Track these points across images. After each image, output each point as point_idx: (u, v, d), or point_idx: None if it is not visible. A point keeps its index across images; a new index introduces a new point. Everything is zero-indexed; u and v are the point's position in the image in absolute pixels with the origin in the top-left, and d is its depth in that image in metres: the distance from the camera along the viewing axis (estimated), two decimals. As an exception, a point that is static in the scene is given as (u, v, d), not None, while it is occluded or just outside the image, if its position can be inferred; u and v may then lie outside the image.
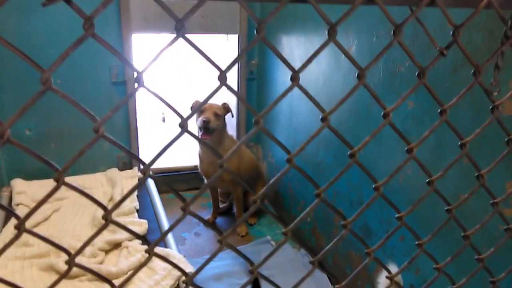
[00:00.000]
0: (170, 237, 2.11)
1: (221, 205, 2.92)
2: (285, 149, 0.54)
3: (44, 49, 2.48)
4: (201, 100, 2.41)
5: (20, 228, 0.45)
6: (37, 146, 2.67)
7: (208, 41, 3.31)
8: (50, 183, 2.56)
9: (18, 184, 2.51)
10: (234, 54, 3.12)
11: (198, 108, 0.51)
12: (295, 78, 0.50)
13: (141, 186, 2.67)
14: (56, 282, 0.48)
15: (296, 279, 0.57)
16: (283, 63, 0.51)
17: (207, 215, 2.83)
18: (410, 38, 1.53)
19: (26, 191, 2.43)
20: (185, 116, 0.49)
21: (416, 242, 0.66)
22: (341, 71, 2.01)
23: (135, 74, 0.46)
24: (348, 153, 0.55)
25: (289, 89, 0.51)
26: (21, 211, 2.24)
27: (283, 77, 2.70)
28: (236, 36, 3.05)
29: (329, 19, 0.53)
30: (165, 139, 3.51)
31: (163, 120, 4.02)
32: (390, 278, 0.67)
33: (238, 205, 2.70)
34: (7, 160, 2.65)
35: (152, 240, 2.08)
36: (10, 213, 0.48)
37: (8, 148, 2.63)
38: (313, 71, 2.22)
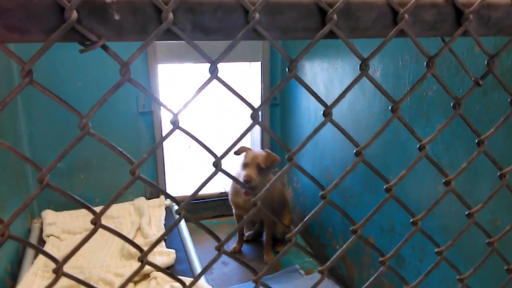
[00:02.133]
0: (198, 267, 2.10)
1: (246, 233, 2.90)
2: (319, 185, 0.53)
3: (72, 81, 2.57)
4: (247, 146, 2.44)
5: (58, 273, 0.45)
6: (67, 177, 2.73)
7: (231, 68, 3.36)
8: (79, 213, 2.61)
9: (49, 215, 2.55)
10: (257, 80, 3.15)
11: (230, 149, 0.50)
12: (327, 114, 0.49)
13: (169, 217, 2.68)
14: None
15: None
16: (316, 100, 0.50)
17: (233, 243, 2.80)
18: (437, 61, 1.51)
19: (56, 222, 2.47)
20: (218, 154, 0.49)
21: (458, 277, 0.64)
22: (365, 96, 2.00)
23: (169, 114, 0.46)
24: (384, 187, 0.54)
25: (322, 124, 0.50)
26: (52, 242, 2.28)
27: (306, 103, 2.70)
28: (259, 63, 3.08)
29: (361, 54, 0.53)
30: (191, 166, 3.53)
31: (189, 147, 4.07)
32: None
33: (268, 233, 2.67)
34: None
35: (180, 271, 2.08)
36: (47, 256, 0.48)
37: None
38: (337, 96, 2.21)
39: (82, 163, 2.75)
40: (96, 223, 0.46)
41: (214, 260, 0.52)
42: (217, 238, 0.52)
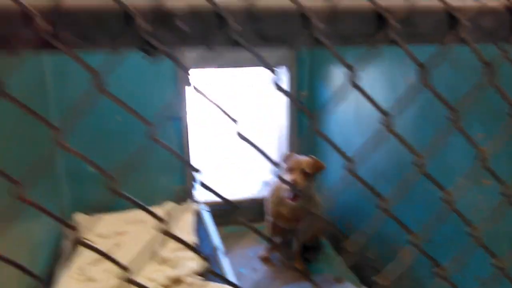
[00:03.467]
0: (228, 273, 2.10)
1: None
2: (376, 194, 0.52)
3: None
4: (291, 153, 2.41)
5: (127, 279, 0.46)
6: (99, 182, 2.77)
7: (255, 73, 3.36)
8: (112, 218, 2.65)
9: (80, 218, 2.60)
10: (284, 86, 3.14)
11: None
12: (388, 124, 0.49)
13: (198, 221, 2.69)
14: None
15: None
16: (375, 108, 0.50)
17: (260, 248, 2.79)
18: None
19: (87, 226, 2.51)
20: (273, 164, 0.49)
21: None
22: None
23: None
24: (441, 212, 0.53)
25: (381, 134, 0.50)
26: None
27: (334, 110, 2.67)
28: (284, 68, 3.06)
29: (418, 59, 0.52)
30: (220, 176, 3.55)
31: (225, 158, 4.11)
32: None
33: (300, 239, 2.64)
34: (69, 195, 2.76)
35: (211, 277, 2.08)
36: (115, 263, 0.49)
37: (71, 184, 2.75)
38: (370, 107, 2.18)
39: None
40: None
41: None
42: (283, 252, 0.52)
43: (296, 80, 3.08)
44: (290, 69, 3.06)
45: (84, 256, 2.22)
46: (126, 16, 0.43)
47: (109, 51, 0.44)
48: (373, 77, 2.19)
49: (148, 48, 0.45)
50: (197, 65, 2.83)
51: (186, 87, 2.83)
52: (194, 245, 2.35)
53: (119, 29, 0.44)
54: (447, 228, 1.48)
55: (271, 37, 0.49)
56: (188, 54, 2.79)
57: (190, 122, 2.88)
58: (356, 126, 2.37)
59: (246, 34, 0.47)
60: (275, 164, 0.48)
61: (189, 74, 0.46)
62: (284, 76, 3.14)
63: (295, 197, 2.30)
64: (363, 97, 0.49)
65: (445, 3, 0.51)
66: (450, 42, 0.53)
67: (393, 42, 0.51)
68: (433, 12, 0.53)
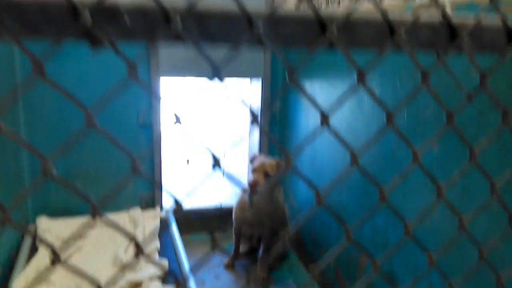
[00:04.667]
0: (190, 280, 2.09)
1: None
2: (314, 189, 0.54)
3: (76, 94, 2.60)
4: (259, 156, 2.48)
5: (55, 262, 0.46)
6: (63, 186, 2.72)
7: (232, 84, 3.39)
8: (74, 222, 2.60)
9: (43, 221, 2.54)
10: (258, 98, 3.18)
11: (228, 151, 0.52)
12: (324, 120, 0.51)
13: (163, 228, 2.68)
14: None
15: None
16: (313, 106, 0.52)
17: (226, 257, 2.79)
18: (433, 84, 1.54)
19: (50, 229, 2.46)
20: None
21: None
22: (364, 116, 2.03)
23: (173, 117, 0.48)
24: (378, 197, 0.56)
25: (317, 131, 0.52)
26: (46, 248, 2.26)
27: (306, 119, 2.73)
28: (260, 80, 3.12)
29: (359, 66, 0.55)
30: (189, 181, 3.54)
31: (187, 162, 4.08)
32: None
33: (265, 246, 2.67)
34: (33, 198, 2.71)
35: (171, 282, 2.07)
36: (49, 247, 0.49)
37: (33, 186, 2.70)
38: (336, 116, 2.24)
39: (80, 171, 2.76)
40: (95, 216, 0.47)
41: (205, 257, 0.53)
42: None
43: (269, 90, 3.13)
44: (264, 80, 3.10)
45: (42, 258, 2.18)
46: (71, 8, 0.45)
47: (54, 41, 0.45)
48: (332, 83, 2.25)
49: (93, 40, 0.46)
50: (169, 73, 2.85)
51: (159, 92, 2.83)
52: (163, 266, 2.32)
53: (64, 21, 0.45)
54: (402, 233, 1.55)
55: (217, 37, 0.51)
56: (162, 62, 2.81)
57: (163, 129, 2.88)
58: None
59: (190, 31, 0.48)
60: (216, 160, 0.50)
61: (134, 68, 0.47)
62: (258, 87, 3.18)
63: (252, 190, 2.38)
64: (303, 95, 0.52)
65: (384, 15, 0.54)
66: (388, 49, 0.56)
67: (333, 45, 0.53)
68: (373, 21, 0.56)
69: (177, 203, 0.50)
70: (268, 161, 2.47)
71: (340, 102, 0.52)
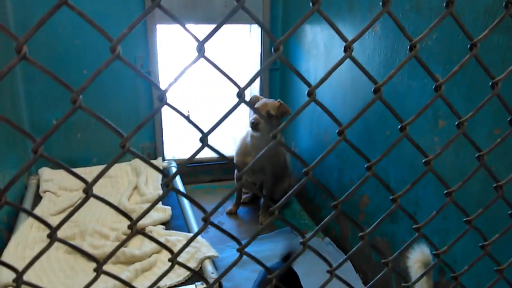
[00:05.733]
0: (194, 225, 2.17)
1: (243, 196, 2.95)
2: (303, 162, 0.55)
3: (70, 40, 2.55)
4: (260, 95, 2.40)
5: (52, 238, 0.48)
6: (64, 136, 2.75)
7: (231, 33, 3.31)
8: (77, 172, 2.64)
9: (46, 172, 2.60)
10: (257, 48, 3.12)
11: (216, 126, 0.52)
12: (311, 94, 0.51)
13: (166, 174, 2.72)
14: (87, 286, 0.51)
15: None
16: (301, 80, 0.52)
17: (229, 205, 2.86)
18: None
19: (53, 179, 2.52)
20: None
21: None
22: (365, 53, 2.00)
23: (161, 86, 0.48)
24: (366, 166, 0.57)
25: (305, 105, 0.52)
26: (48, 198, 2.35)
27: (306, 65, 2.69)
28: (259, 29, 3.04)
29: (346, 37, 0.54)
30: (189, 134, 3.55)
31: (188, 112, 4.07)
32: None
33: (267, 193, 2.74)
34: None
35: (175, 226, 2.15)
36: (42, 222, 0.51)
37: (35, 137, 2.71)
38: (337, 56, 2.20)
39: (80, 122, 2.76)
40: (88, 193, 0.49)
41: (200, 231, 0.55)
42: (203, 210, 0.55)
43: (269, 38, 3.06)
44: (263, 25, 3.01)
45: (46, 206, 2.25)
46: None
47: None
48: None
49: None
50: (164, 21, 2.77)
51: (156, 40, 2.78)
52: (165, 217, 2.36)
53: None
54: (402, 174, 1.56)
55: None
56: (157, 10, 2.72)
57: (162, 76, 2.85)
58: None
59: None
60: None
61: (117, 44, 0.46)
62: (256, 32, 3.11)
63: (255, 128, 2.40)
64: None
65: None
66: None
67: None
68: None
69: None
70: (270, 101, 2.47)
71: (326, 76, 0.51)
